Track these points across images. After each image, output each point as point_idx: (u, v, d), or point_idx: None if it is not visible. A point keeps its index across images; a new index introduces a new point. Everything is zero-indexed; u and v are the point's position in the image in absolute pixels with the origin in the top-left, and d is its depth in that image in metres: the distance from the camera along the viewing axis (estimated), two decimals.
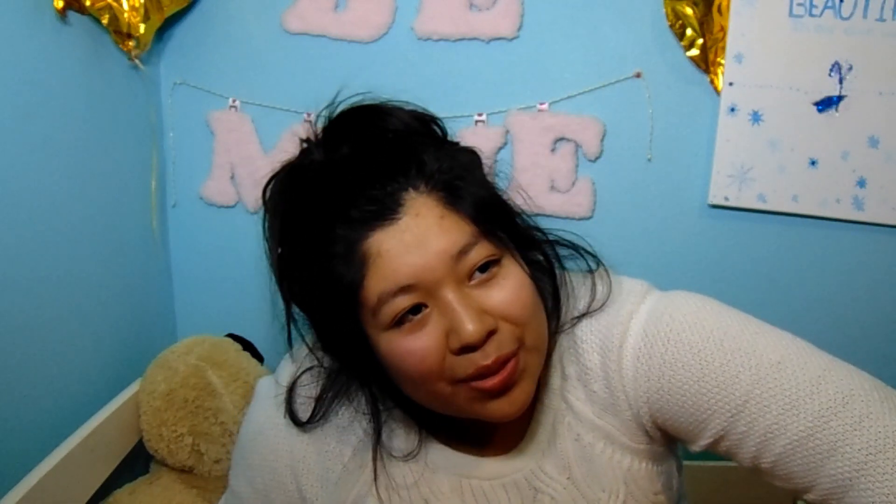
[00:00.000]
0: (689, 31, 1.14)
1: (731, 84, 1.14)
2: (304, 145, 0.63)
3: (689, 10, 1.13)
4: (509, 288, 0.58)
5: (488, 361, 0.56)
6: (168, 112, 1.27)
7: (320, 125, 0.63)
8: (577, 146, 1.19)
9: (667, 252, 1.23)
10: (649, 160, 1.20)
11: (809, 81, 1.12)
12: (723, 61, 1.14)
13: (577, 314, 0.65)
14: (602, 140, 1.19)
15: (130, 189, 1.19)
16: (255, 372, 1.17)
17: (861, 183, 1.13)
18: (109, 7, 1.07)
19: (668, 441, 0.66)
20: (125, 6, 1.10)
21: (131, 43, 1.13)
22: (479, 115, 1.20)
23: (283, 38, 1.22)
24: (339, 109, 0.63)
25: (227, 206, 1.29)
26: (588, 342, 0.64)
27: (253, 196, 1.26)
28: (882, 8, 1.08)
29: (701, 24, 1.14)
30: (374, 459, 0.67)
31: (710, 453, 0.62)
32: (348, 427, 0.69)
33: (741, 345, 0.59)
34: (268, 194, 0.64)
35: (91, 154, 1.07)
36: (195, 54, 1.24)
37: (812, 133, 1.13)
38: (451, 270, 0.56)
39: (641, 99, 1.18)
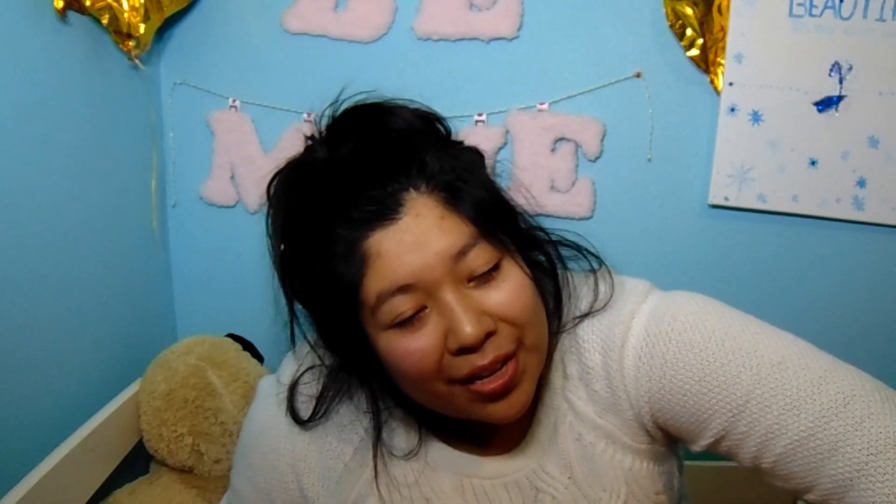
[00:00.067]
0: (689, 31, 1.14)
1: (731, 84, 1.14)
2: (309, 142, 0.63)
3: (689, 10, 1.13)
4: (508, 289, 0.58)
5: (485, 361, 0.56)
6: (168, 112, 1.27)
7: (324, 122, 0.63)
8: (577, 146, 1.19)
9: (667, 252, 1.23)
10: (649, 160, 1.20)
11: (809, 81, 1.12)
12: (723, 61, 1.14)
13: (578, 314, 0.65)
14: (602, 140, 1.19)
15: (130, 189, 1.19)
16: (255, 372, 1.17)
17: (861, 183, 1.13)
18: (109, 7, 1.07)
19: (669, 441, 0.66)
20: (125, 6, 1.10)
21: (131, 43, 1.13)
22: (479, 115, 1.20)
23: (283, 38, 1.22)
24: (343, 107, 0.63)
25: (227, 206, 1.29)
26: (590, 342, 0.64)
27: (253, 196, 1.26)
28: (882, 8, 1.08)
29: (701, 24, 1.14)
30: (375, 458, 0.67)
31: (710, 453, 0.62)
32: (350, 426, 0.69)
33: (742, 345, 0.59)
34: (272, 191, 0.64)
35: (91, 154, 1.07)
36: (195, 54, 1.24)
37: (812, 133, 1.13)
38: (451, 271, 0.56)
39: (641, 99, 1.18)
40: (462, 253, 0.56)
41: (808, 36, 1.11)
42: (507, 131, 1.20)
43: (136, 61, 1.15)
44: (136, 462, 1.17)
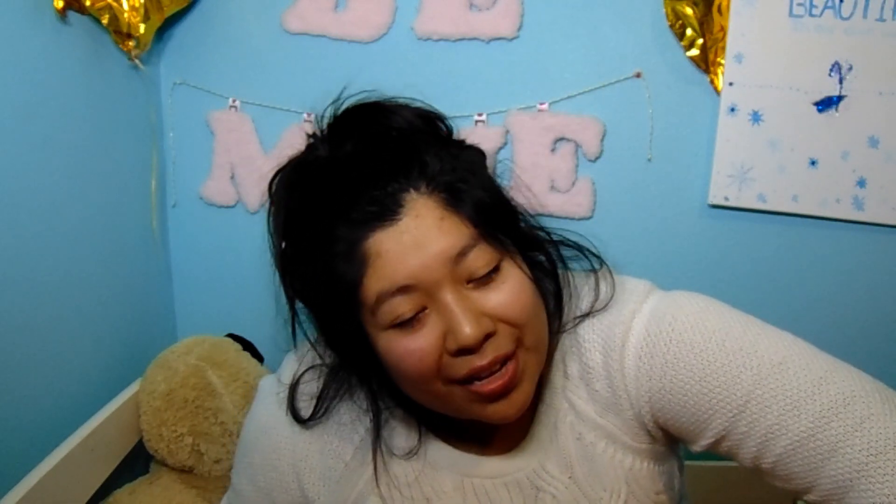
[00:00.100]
0: (689, 31, 1.14)
1: (731, 84, 1.14)
2: (310, 141, 0.63)
3: (689, 10, 1.13)
4: (508, 290, 0.58)
5: (484, 362, 0.56)
6: (168, 112, 1.26)
7: (326, 121, 0.63)
8: (577, 146, 1.19)
9: (667, 252, 1.23)
10: (649, 160, 1.20)
11: (809, 81, 1.12)
12: (723, 61, 1.14)
13: (579, 314, 0.65)
14: (602, 140, 1.19)
15: (130, 189, 1.19)
16: (255, 372, 1.17)
17: (861, 183, 1.13)
18: (109, 7, 1.07)
19: (669, 441, 0.66)
20: (125, 6, 1.09)
21: (131, 43, 1.13)
22: (479, 115, 1.20)
23: (283, 38, 1.22)
24: (344, 105, 0.63)
25: (227, 206, 1.29)
26: (590, 341, 0.64)
27: (253, 196, 1.26)
28: (882, 8, 1.08)
29: (701, 24, 1.14)
30: (374, 456, 0.67)
31: (711, 453, 0.62)
32: (350, 425, 0.69)
33: (743, 345, 0.59)
34: (273, 189, 0.64)
35: (91, 154, 1.07)
36: (195, 54, 1.24)
37: (812, 133, 1.13)
38: (450, 272, 0.56)
39: (641, 99, 1.18)
40: (462, 254, 0.56)
41: (808, 36, 1.11)
42: (507, 131, 1.20)
43: (136, 61, 1.15)
44: (136, 462, 1.17)
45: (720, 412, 0.58)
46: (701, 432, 0.60)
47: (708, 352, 0.59)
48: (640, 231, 1.23)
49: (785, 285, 1.22)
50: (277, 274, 0.64)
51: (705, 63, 1.15)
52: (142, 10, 1.12)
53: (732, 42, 1.13)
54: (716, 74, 1.15)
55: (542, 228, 0.67)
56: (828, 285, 1.21)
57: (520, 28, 1.18)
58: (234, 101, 1.24)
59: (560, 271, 0.66)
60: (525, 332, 0.59)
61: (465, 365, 0.57)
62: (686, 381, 0.59)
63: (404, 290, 0.56)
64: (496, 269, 0.58)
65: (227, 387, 1.11)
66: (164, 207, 1.29)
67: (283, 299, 0.64)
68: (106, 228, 1.11)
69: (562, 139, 1.19)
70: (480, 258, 0.57)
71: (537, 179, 1.19)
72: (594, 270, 0.68)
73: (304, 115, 1.22)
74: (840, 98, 1.11)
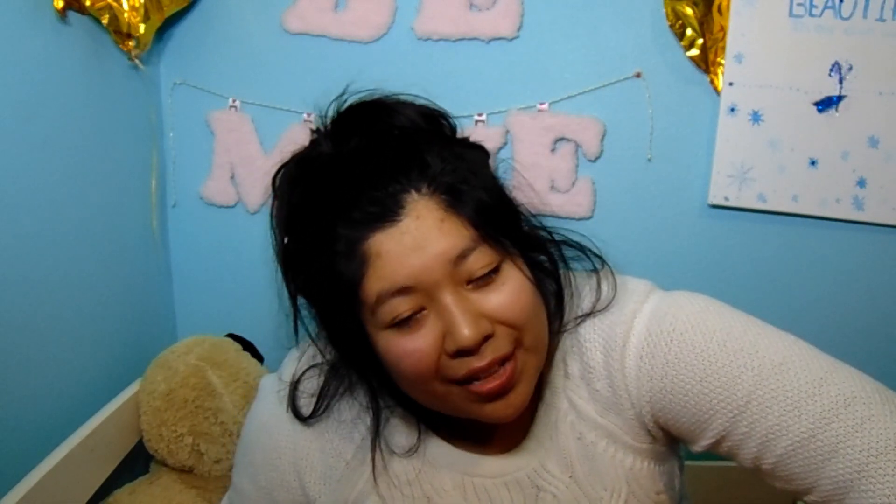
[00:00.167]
0: (689, 31, 1.14)
1: (731, 84, 1.14)
2: (315, 136, 0.63)
3: (689, 10, 1.13)
4: (507, 292, 0.58)
5: (482, 364, 0.56)
6: (168, 112, 1.26)
7: (330, 115, 0.63)
8: (577, 146, 1.19)
9: (667, 252, 1.23)
10: (649, 160, 1.20)
11: (809, 81, 1.12)
12: (723, 61, 1.14)
13: (581, 313, 0.65)
14: (602, 140, 1.19)
15: (130, 189, 1.19)
16: (255, 372, 1.17)
17: (861, 183, 1.13)
18: (109, 7, 1.07)
19: (670, 441, 0.66)
20: (125, 6, 1.09)
21: (131, 43, 1.13)
22: (479, 115, 1.20)
23: (283, 38, 1.22)
24: (349, 102, 0.63)
25: (227, 206, 1.29)
26: (591, 341, 0.64)
27: (253, 196, 1.26)
28: (882, 8, 1.08)
29: (701, 24, 1.14)
30: (373, 452, 0.67)
31: (711, 453, 0.62)
32: (351, 424, 0.69)
33: (744, 345, 0.59)
34: (277, 183, 0.64)
35: (91, 154, 1.07)
36: (195, 54, 1.24)
37: (812, 133, 1.13)
38: (450, 274, 0.56)
39: (641, 99, 1.18)
40: (462, 256, 0.56)
41: (808, 36, 1.11)
42: (507, 131, 1.20)
43: (136, 61, 1.15)
44: (136, 462, 1.17)
45: (721, 412, 0.58)
46: (701, 432, 0.60)
47: (709, 352, 0.59)
48: (640, 231, 1.23)
49: (785, 285, 1.22)
50: (279, 269, 0.64)
51: (705, 63, 1.15)
52: (142, 10, 1.12)
53: (732, 42, 1.13)
54: (716, 74, 1.15)
55: (544, 228, 0.67)
56: (828, 285, 1.21)
57: (520, 28, 1.18)
58: (234, 101, 1.24)
59: (562, 271, 0.66)
60: (524, 334, 0.59)
61: (463, 366, 0.57)
62: (687, 381, 0.59)
63: (404, 290, 0.56)
64: (496, 271, 0.58)
65: (227, 387, 1.11)
66: (164, 207, 1.29)
67: (285, 294, 0.64)
68: (106, 228, 1.11)
69: (562, 139, 1.19)
70: (480, 260, 0.57)
71: (537, 179, 1.19)
72: (596, 270, 0.68)
73: (304, 115, 1.22)
74: (840, 98, 1.11)
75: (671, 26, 1.14)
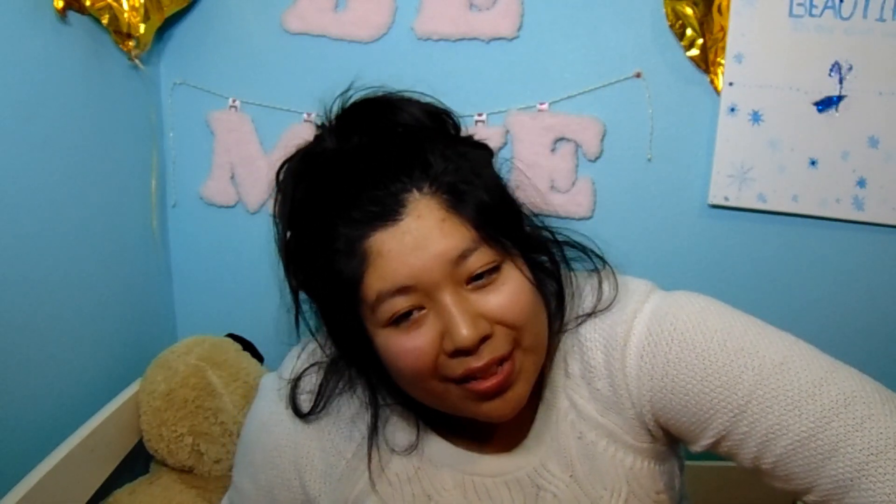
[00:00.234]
0: (689, 31, 1.14)
1: (731, 84, 1.14)
2: (319, 131, 0.63)
3: (689, 10, 1.13)
4: (507, 293, 0.58)
5: (480, 363, 0.57)
6: (168, 112, 1.26)
7: (335, 111, 0.63)
8: (577, 146, 1.19)
9: (667, 252, 1.23)
10: (649, 160, 1.20)
11: (809, 81, 1.12)
12: (723, 61, 1.14)
13: (581, 313, 0.65)
14: (602, 140, 1.19)
15: (130, 189, 1.19)
16: (255, 372, 1.17)
17: (861, 183, 1.13)
18: (109, 7, 1.07)
19: (670, 440, 0.66)
20: (125, 6, 1.09)
21: (131, 43, 1.13)
22: (479, 115, 1.20)
23: (283, 38, 1.22)
24: (353, 98, 0.63)
25: (227, 206, 1.29)
26: (592, 340, 0.64)
27: (253, 196, 1.26)
28: (882, 8, 1.08)
29: (701, 24, 1.14)
30: (369, 451, 0.67)
31: (711, 453, 0.62)
32: (352, 424, 0.69)
33: (744, 345, 0.59)
34: (280, 177, 0.64)
35: (91, 154, 1.07)
36: (195, 54, 1.24)
37: (812, 133, 1.13)
38: (450, 274, 0.56)
39: (641, 99, 1.18)
40: (462, 256, 0.56)
41: (808, 36, 1.11)
42: (507, 131, 1.20)
43: (136, 61, 1.15)
44: (136, 462, 1.17)
45: (721, 412, 0.58)
46: (702, 432, 0.60)
47: (709, 352, 0.59)
48: (640, 231, 1.22)
49: (785, 285, 1.22)
50: (281, 264, 0.64)
51: (705, 63, 1.15)
52: (142, 10, 1.12)
53: (732, 42, 1.13)
54: (716, 74, 1.15)
55: (546, 228, 0.67)
56: (828, 285, 1.21)
57: (520, 28, 1.18)
58: (234, 101, 1.24)
59: (563, 271, 0.66)
60: (523, 334, 0.59)
61: (461, 365, 0.57)
62: (687, 380, 0.60)
63: (404, 290, 0.56)
64: (496, 271, 0.58)
65: (227, 387, 1.11)
66: (164, 207, 1.29)
67: (286, 289, 0.65)
68: (106, 228, 1.11)
69: (562, 139, 1.19)
70: (481, 260, 0.57)
71: (537, 179, 1.19)
72: (597, 270, 0.68)
73: (304, 115, 1.22)
74: (840, 98, 1.11)
75: (671, 26, 1.14)
